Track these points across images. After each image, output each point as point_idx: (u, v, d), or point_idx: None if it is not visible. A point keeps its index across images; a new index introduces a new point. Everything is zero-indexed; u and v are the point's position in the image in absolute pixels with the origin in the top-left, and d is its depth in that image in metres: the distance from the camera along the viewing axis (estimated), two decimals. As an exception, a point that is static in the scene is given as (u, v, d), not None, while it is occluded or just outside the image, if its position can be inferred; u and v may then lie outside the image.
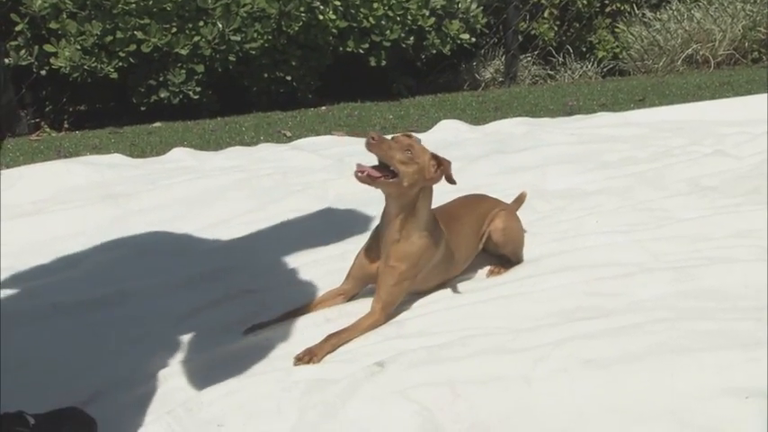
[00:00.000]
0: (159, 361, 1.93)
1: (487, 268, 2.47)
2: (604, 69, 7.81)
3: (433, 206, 2.26)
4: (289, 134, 5.47)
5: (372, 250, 2.16)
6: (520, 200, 2.79)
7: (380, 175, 1.97)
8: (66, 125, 6.17)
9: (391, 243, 2.09)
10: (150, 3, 5.60)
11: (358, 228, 2.96)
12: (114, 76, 5.74)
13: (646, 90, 6.42)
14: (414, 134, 2.11)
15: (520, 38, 7.63)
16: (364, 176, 1.96)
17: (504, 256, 2.48)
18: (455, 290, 2.29)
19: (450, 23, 6.90)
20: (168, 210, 3.41)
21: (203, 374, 1.85)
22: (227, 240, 2.98)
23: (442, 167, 2.05)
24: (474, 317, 2.07)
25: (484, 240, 2.43)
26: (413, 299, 2.21)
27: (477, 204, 2.48)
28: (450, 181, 2.08)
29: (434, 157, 2.06)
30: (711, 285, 2.15)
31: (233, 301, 2.34)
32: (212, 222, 3.24)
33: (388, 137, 2.04)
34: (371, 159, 2.02)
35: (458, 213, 2.36)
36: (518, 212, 2.66)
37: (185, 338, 2.09)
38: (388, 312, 2.09)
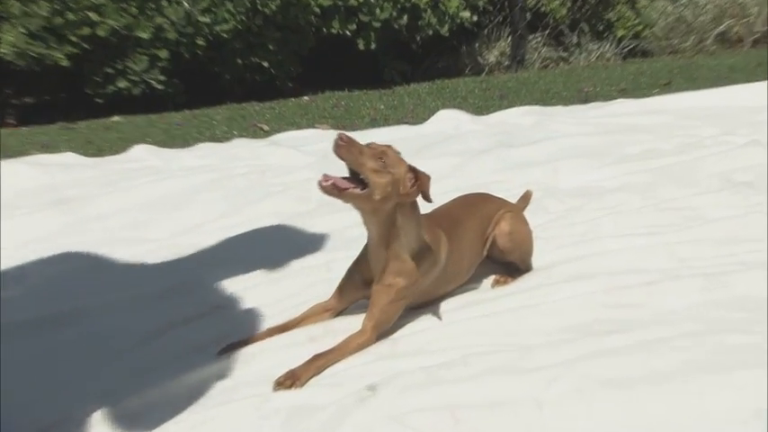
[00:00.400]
0: (120, 388, 1.94)
1: (492, 278, 2.49)
2: (624, 50, 7.87)
3: (431, 207, 2.27)
4: (266, 128, 5.49)
5: (364, 263, 2.18)
6: (525, 199, 2.80)
7: (349, 185, 1.94)
8: (10, 120, 6.16)
9: (382, 262, 2.10)
10: (106, -21, 5.61)
11: (346, 234, 2.97)
12: (65, 63, 5.73)
13: (672, 73, 6.47)
14: (398, 143, 2.09)
15: (528, 16, 7.67)
16: (329, 186, 1.91)
17: (511, 264, 2.50)
18: (456, 303, 2.30)
19: (449, 0, 6.92)
20: (129, 215, 3.42)
21: (171, 402, 1.85)
22: (196, 249, 2.99)
23: (419, 182, 2.02)
24: (477, 332, 2.08)
25: (488, 246, 2.45)
26: (408, 313, 2.22)
27: (481, 205, 2.49)
28: (427, 199, 2.05)
29: (412, 169, 2.04)
30: (746, 294, 2.17)
31: (204, 318, 2.34)
32: (180, 229, 3.25)
33: (365, 142, 2.04)
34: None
35: (459, 216, 2.38)
36: (527, 214, 2.68)
37: (150, 362, 2.09)
38: (381, 332, 2.10)
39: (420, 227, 2.13)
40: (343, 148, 1.90)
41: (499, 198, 2.60)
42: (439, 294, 2.31)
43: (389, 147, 2.03)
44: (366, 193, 1.95)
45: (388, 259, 2.08)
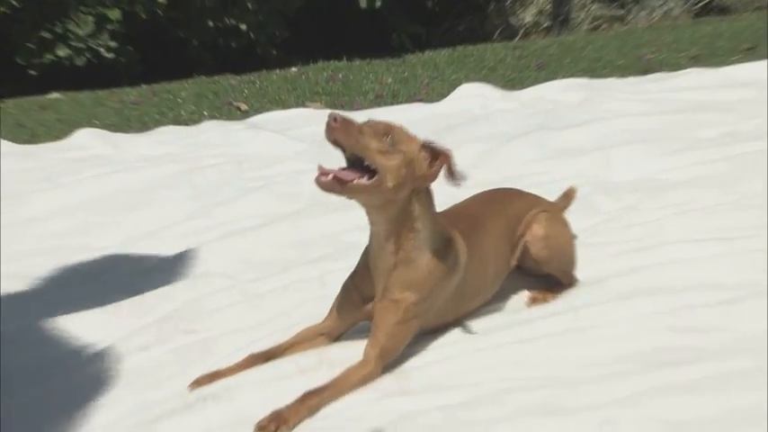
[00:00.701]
0: (64, 429, 1.95)
1: (526, 294, 2.50)
2: (696, 6, 7.83)
3: (444, 206, 2.27)
4: (244, 107, 5.50)
5: (365, 275, 2.18)
6: (568, 197, 2.81)
7: (353, 176, 1.95)
8: (-77, 98, 6.19)
9: (388, 270, 2.11)
10: None
11: (343, 240, 2.98)
12: (-9, 26, 5.75)
13: (756, 35, 6.45)
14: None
15: (574, -36, 7.66)
16: (330, 182, 1.92)
17: (550, 277, 2.51)
18: (482, 326, 2.31)
19: (474, -55, 6.94)
20: (73, 217, 3.43)
21: (125, 451, 1.87)
22: (158, 259, 3.00)
23: (440, 160, 2.03)
24: (510, 363, 2.09)
25: (518, 254, 2.46)
26: (421, 339, 2.23)
27: (507, 203, 2.50)
28: (455, 179, 2.04)
29: (426, 146, 2.05)
30: None
31: (167, 343, 2.36)
32: (136, 235, 3.27)
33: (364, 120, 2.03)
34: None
35: (480, 216, 2.39)
36: (571, 213, 2.68)
37: (102, 397, 2.10)
38: (388, 361, 2.11)
39: (437, 222, 2.14)
40: (340, 131, 1.91)
41: (530, 194, 2.61)
42: (458, 315, 2.31)
43: (394, 124, 2.04)
44: (375, 181, 1.96)
45: (395, 265, 2.09)
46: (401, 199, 2.02)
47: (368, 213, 2.07)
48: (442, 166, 2.03)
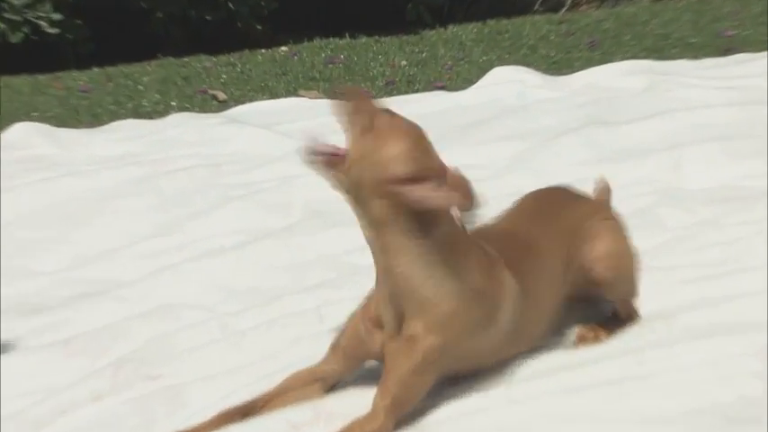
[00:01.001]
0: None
1: (574, 329, 2.50)
2: (790, -31, 7.81)
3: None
4: (222, 96, 5.51)
5: (378, 302, 2.18)
6: (603, 194, 2.82)
7: (331, 152, 2.00)
8: None
9: (395, 297, 2.10)
10: None
11: (346, 262, 2.98)
12: None
13: None
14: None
15: None
16: (320, 146, 1.98)
17: (601, 306, 2.52)
18: (520, 370, 2.31)
19: None
20: (8, 234, 3.43)
21: None
22: (114, 285, 3.00)
23: (459, 191, 1.99)
24: (552, 418, 2.09)
25: (573, 277, 2.41)
26: (445, 385, 2.23)
27: (560, 210, 2.50)
28: (463, 207, 2.01)
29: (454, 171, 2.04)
30: None
31: (126, 392, 2.36)
32: (86, 256, 3.28)
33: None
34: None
35: (533, 238, 2.35)
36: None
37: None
38: (401, 414, 2.10)
39: (469, 245, 2.13)
40: (354, 95, 2.00)
41: (588, 197, 2.63)
42: (495, 360, 2.30)
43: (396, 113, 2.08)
44: (339, 159, 2.00)
45: (410, 291, 2.10)
46: (371, 201, 2.01)
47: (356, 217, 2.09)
48: (419, 197, 1.95)
